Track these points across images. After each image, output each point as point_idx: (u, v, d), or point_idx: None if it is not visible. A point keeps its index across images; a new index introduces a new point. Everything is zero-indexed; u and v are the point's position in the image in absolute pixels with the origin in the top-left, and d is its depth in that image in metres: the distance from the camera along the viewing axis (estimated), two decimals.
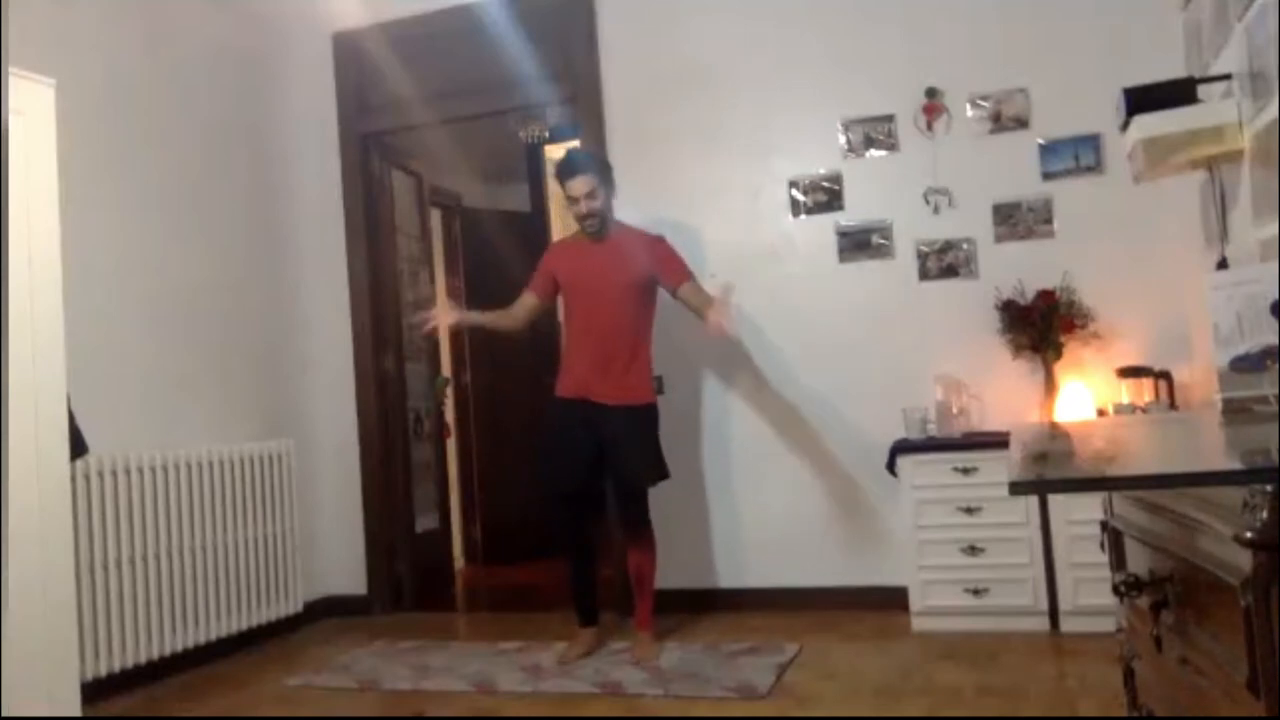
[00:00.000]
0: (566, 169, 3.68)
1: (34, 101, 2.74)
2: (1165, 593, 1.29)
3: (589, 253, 3.72)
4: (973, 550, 3.60)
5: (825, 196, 4.15)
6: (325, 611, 4.58)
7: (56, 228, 2.79)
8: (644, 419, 3.66)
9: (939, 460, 3.66)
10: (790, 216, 4.20)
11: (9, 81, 2.59)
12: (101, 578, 3.44)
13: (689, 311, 3.65)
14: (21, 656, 2.55)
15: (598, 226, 3.67)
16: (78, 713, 2.77)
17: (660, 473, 3.67)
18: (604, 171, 3.75)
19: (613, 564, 4.16)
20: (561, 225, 5.78)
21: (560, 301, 3.98)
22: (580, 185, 3.63)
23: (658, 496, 3.66)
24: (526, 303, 3.82)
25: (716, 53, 4.27)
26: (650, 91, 4.36)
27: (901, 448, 3.73)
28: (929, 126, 4.01)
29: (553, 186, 5.05)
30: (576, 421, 3.61)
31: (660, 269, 3.67)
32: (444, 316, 3.96)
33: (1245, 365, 2.04)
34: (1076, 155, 3.83)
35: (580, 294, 3.72)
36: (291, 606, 4.28)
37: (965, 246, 3.96)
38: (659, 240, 3.74)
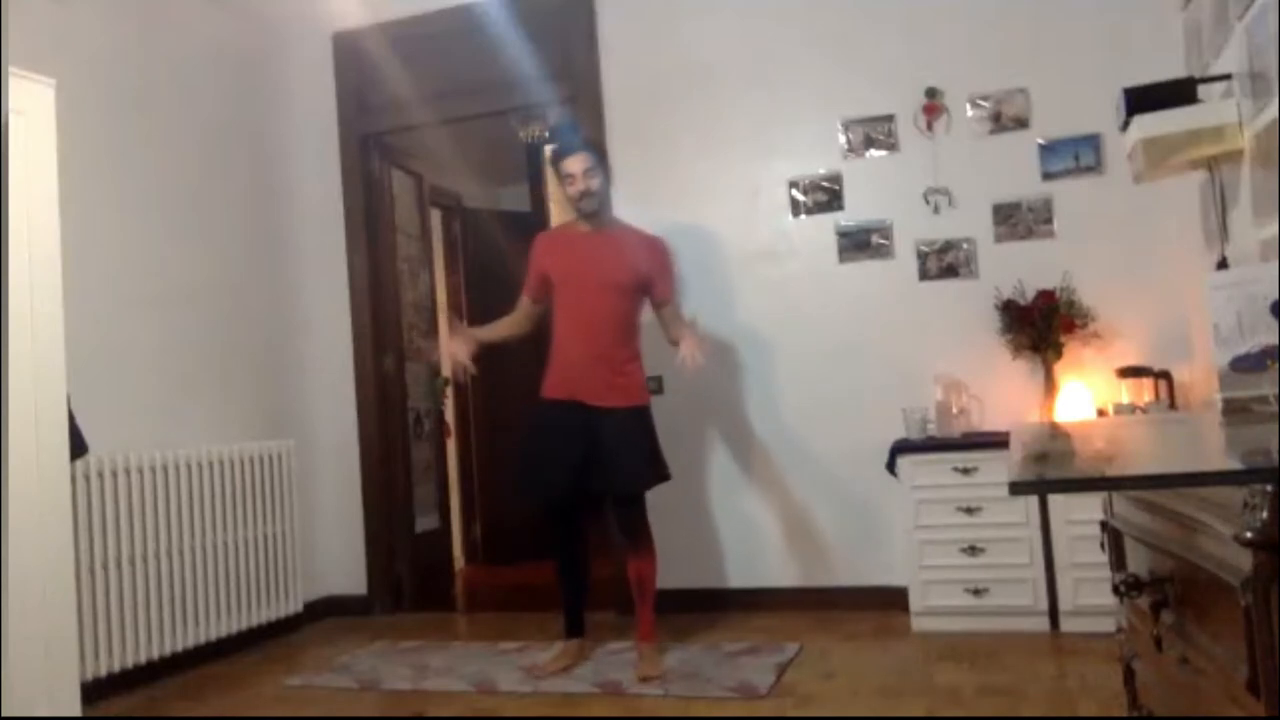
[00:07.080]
0: (564, 146, 3.54)
1: (34, 101, 2.74)
2: (1165, 593, 1.29)
3: (583, 244, 3.56)
4: (973, 550, 3.60)
5: (825, 196, 4.15)
6: (325, 611, 4.59)
7: (56, 228, 2.79)
8: (639, 420, 3.49)
9: (939, 460, 3.66)
10: (790, 216, 4.20)
11: (9, 81, 2.59)
12: (101, 578, 3.44)
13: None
14: (21, 656, 2.55)
15: (595, 205, 3.50)
16: (78, 713, 2.77)
17: (660, 473, 3.53)
18: (601, 154, 3.60)
19: (612, 562, 4.15)
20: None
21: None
22: (579, 162, 3.47)
23: (658, 496, 3.65)
24: (526, 308, 3.69)
25: (716, 53, 4.27)
26: (650, 91, 4.36)
27: (901, 448, 3.73)
28: (929, 126, 4.01)
29: (553, 187, 5.03)
30: (565, 424, 3.45)
31: (657, 275, 3.54)
32: (461, 349, 3.66)
33: (1245, 365, 2.04)
34: (1076, 155, 3.83)
35: (572, 288, 3.51)
36: (291, 606, 4.28)
37: (965, 246, 3.96)
38: (660, 244, 3.61)
